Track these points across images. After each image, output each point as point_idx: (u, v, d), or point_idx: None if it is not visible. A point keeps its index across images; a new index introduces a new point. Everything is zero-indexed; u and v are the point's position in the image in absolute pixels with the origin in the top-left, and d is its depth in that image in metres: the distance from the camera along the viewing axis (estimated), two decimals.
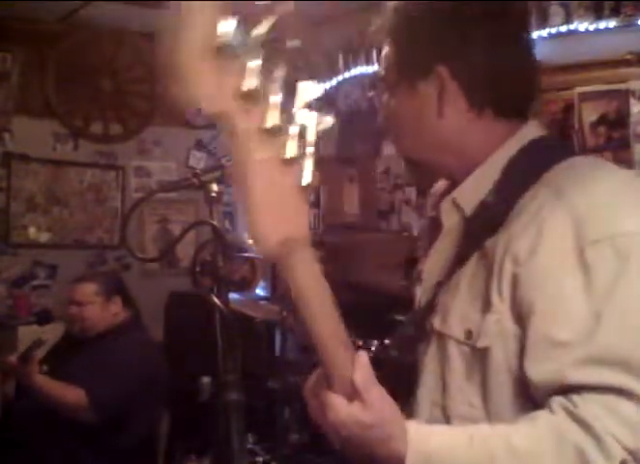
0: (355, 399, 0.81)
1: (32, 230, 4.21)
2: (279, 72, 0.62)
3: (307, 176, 0.66)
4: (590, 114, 2.91)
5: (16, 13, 3.90)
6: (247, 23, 0.59)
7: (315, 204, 4.45)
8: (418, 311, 1.10)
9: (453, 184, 1.09)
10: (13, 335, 3.69)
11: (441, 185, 1.17)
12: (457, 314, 0.98)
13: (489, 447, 0.84)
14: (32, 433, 2.58)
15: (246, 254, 4.73)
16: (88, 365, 2.61)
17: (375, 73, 1.09)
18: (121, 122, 4.49)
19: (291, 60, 0.62)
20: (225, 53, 0.58)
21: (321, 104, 0.67)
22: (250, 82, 0.59)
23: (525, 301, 0.89)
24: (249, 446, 3.03)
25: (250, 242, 0.66)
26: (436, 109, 1.01)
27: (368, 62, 3.96)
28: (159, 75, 4.56)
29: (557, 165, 0.96)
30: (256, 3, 0.59)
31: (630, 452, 0.80)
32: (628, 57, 2.75)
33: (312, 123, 0.66)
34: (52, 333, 3.20)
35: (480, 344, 0.93)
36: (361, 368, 0.81)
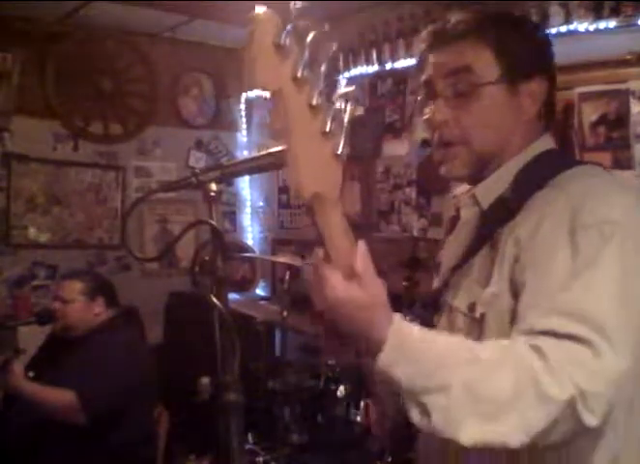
0: (353, 279, 0.90)
1: (32, 230, 4.21)
2: (322, 67, 0.84)
3: (341, 147, 0.85)
4: (590, 114, 2.91)
5: (16, 13, 3.90)
6: (298, 29, 0.83)
7: None
8: (435, 290, 1.27)
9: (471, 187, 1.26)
10: (13, 335, 3.69)
11: (461, 190, 1.32)
12: (465, 291, 1.15)
13: (457, 349, 0.95)
14: (25, 438, 2.57)
15: (246, 254, 4.74)
16: (74, 367, 2.60)
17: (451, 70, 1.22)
18: (121, 122, 4.49)
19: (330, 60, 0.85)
20: (282, 49, 0.81)
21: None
22: (301, 70, 0.81)
23: (522, 275, 1.03)
24: (249, 446, 3.03)
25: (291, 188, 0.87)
26: (525, 113, 1.16)
27: (368, 62, 3.96)
28: (158, 75, 4.56)
29: (564, 173, 1.11)
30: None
31: (581, 392, 0.89)
32: (628, 57, 2.75)
33: (347, 109, 0.87)
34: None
35: (478, 312, 1.10)
36: (361, 254, 0.91)
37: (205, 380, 1.70)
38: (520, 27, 1.18)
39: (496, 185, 1.17)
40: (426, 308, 1.27)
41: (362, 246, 0.92)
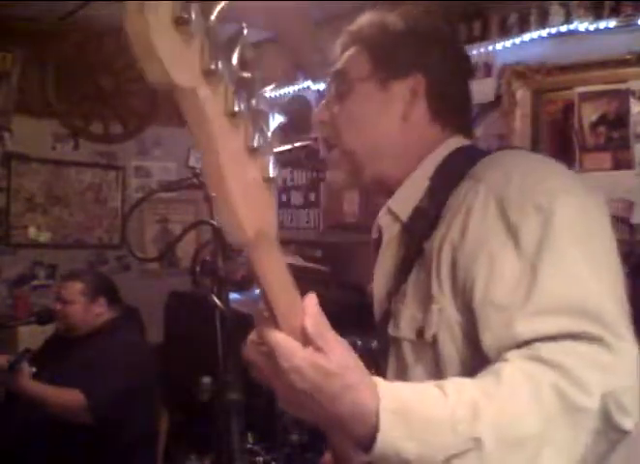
0: (307, 344, 0.70)
1: (32, 230, 4.21)
2: (234, 58, 0.59)
3: (272, 169, 0.64)
4: (590, 114, 2.91)
5: (16, 13, 3.90)
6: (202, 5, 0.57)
7: (315, 204, 4.45)
8: (377, 325, 1.12)
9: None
10: (13, 335, 3.69)
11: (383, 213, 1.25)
12: (407, 317, 1.01)
13: (466, 397, 0.75)
14: (26, 438, 2.57)
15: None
16: (78, 367, 2.61)
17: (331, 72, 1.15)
18: (121, 122, 4.49)
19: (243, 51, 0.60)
20: (185, 29, 0.56)
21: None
22: (214, 61, 0.56)
23: (466, 279, 0.90)
24: (249, 446, 3.03)
25: (225, 232, 0.64)
26: (401, 111, 1.10)
27: None
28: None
29: (479, 162, 1.02)
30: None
31: (610, 393, 0.76)
32: (628, 57, 2.75)
33: (267, 117, 0.64)
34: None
35: (428, 335, 0.96)
36: (311, 313, 0.70)
37: (206, 379, 1.70)
38: (405, 25, 1.13)
39: (411, 193, 1.09)
40: (379, 343, 1.11)
41: (311, 300, 0.71)
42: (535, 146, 3.17)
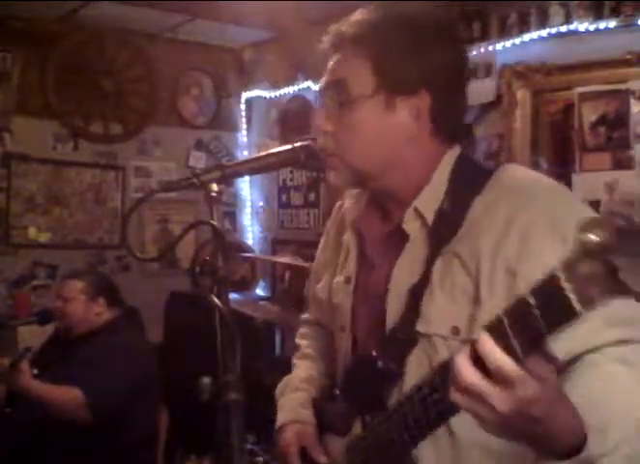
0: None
1: (32, 230, 4.20)
2: None
3: None
4: (590, 114, 2.91)
5: (16, 13, 3.90)
6: None
7: (315, 204, 4.44)
8: (403, 318, 1.13)
9: (373, 199, 1.23)
10: (13, 335, 3.69)
11: (352, 202, 1.29)
12: (439, 314, 1.07)
13: (610, 403, 0.88)
14: (26, 437, 2.57)
15: (246, 254, 4.74)
16: (78, 366, 2.61)
17: (328, 81, 1.15)
18: (121, 122, 4.49)
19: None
20: None
21: None
22: None
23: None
24: (249, 446, 3.03)
25: None
26: (406, 131, 1.11)
27: None
28: (158, 75, 4.56)
29: (493, 175, 1.10)
30: None
31: None
32: (628, 57, 2.75)
33: None
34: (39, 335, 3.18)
35: (473, 336, 0.99)
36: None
37: (206, 380, 1.70)
38: (410, 37, 1.09)
39: (433, 196, 1.13)
40: (396, 340, 1.13)
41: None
42: (535, 146, 3.17)
